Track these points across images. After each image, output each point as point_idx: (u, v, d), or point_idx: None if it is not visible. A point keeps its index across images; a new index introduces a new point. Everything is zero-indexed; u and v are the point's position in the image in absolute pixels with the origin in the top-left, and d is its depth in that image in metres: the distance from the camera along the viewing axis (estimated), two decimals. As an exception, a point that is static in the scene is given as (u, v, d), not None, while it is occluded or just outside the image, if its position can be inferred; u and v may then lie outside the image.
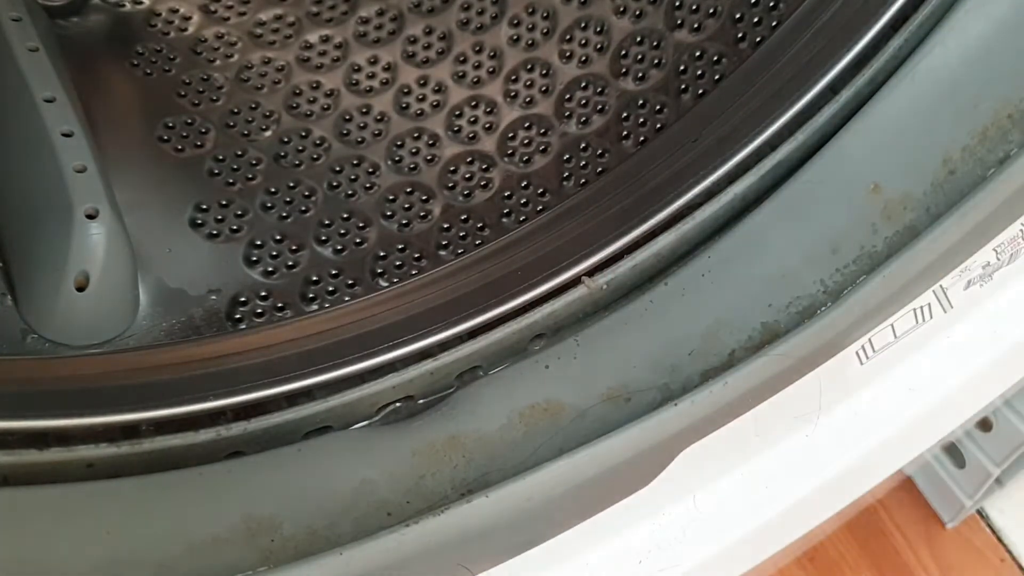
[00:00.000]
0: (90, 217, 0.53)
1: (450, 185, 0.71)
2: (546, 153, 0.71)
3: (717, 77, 0.65)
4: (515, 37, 0.74)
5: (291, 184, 0.70)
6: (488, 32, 0.75)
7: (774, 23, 0.62)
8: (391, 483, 0.39)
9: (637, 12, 0.69)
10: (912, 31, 0.45)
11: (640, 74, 0.69)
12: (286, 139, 0.73)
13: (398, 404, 0.44)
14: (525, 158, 0.71)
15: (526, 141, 0.71)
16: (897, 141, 0.44)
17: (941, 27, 0.45)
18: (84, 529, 0.36)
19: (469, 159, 0.72)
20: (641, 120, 0.68)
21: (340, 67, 0.76)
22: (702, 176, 0.47)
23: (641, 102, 0.68)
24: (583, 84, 0.71)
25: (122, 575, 0.35)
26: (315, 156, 0.72)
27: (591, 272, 0.46)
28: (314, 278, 0.66)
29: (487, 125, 0.73)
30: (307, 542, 0.37)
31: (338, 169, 0.72)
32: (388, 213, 0.70)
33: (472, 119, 0.73)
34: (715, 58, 0.65)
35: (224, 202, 0.68)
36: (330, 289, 0.66)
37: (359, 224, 0.69)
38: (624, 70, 0.69)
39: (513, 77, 0.73)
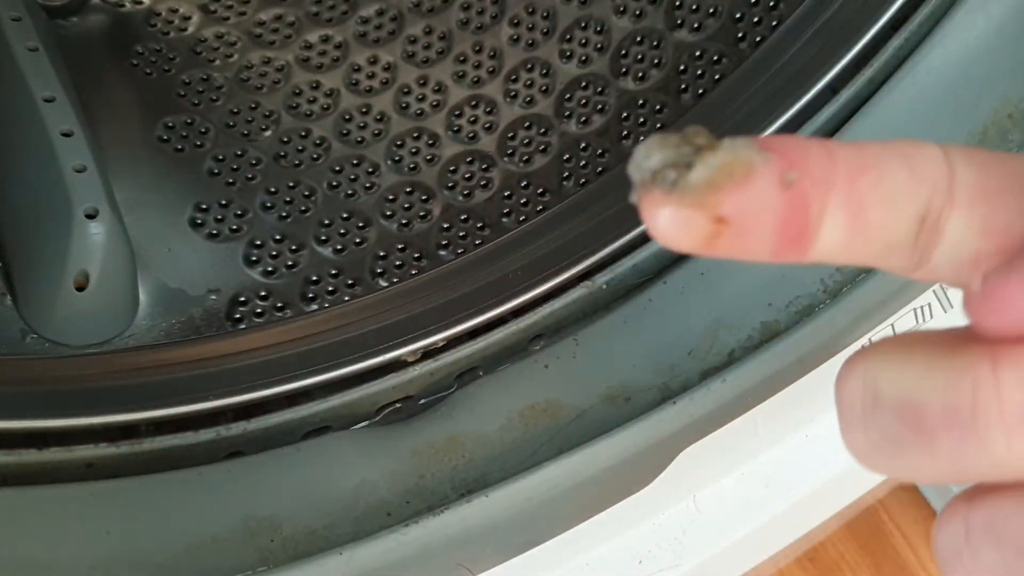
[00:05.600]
0: (90, 217, 0.53)
1: (450, 185, 0.71)
2: (546, 153, 0.71)
3: (717, 77, 0.65)
4: (515, 37, 0.74)
5: (291, 184, 0.70)
6: (488, 32, 0.75)
7: (774, 23, 0.61)
8: (391, 483, 0.39)
9: (637, 12, 0.69)
10: (912, 31, 0.45)
11: (640, 74, 0.69)
12: (286, 139, 0.73)
13: (398, 404, 0.44)
14: (525, 158, 0.71)
15: (526, 141, 0.71)
16: (897, 141, 0.44)
17: (941, 27, 0.45)
18: (83, 529, 0.36)
19: (469, 159, 0.72)
20: (641, 120, 0.68)
21: (340, 67, 0.76)
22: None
23: (641, 102, 0.68)
24: (583, 84, 0.71)
25: (121, 575, 0.35)
26: (315, 156, 0.72)
27: (591, 272, 0.46)
28: (314, 278, 0.66)
29: (487, 125, 0.73)
30: (307, 542, 0.37)
31: (338, 169, 0.72)
32: (388, 213, 0.70)
33: (472, 119, 0.73)
34: (715, 58, 0.65)
35: (224, 202, 0.68)
36: (330, 289, 0.66)
37: (359, 224, 0.69)
38: (624, 70, 0.69)
39: (513, 77, 0.73)
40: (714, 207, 0.17)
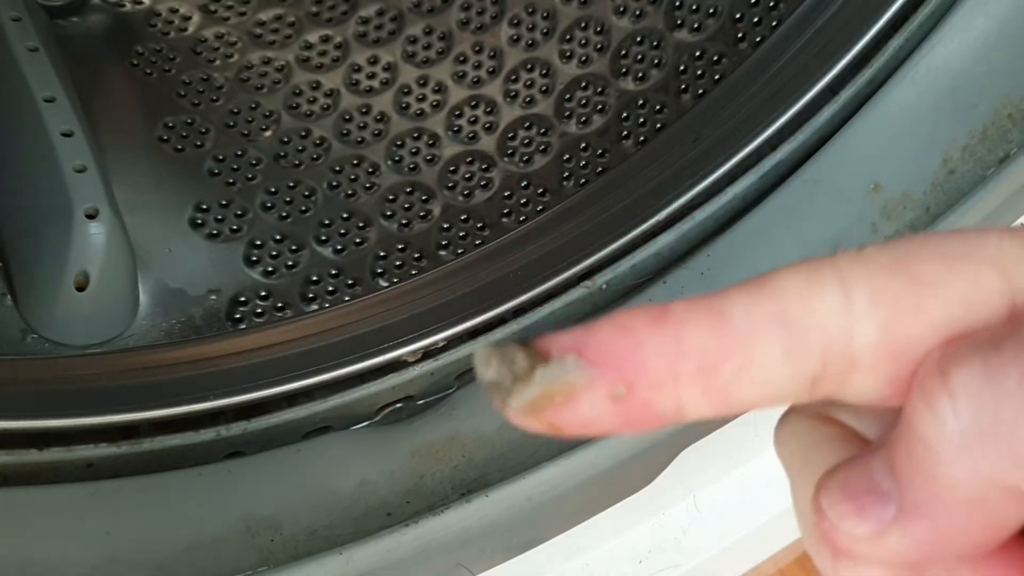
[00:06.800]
0: (90, 217, 0.53)
1: (450, 185, 0.71)
2: (546, 153, 0.71)
3: (717, 77, 0.65)
4: (515, 37, 0.74)
5: (291, 184, 0.70)
6: (488, 32, 0.75)
7: (774, 23, 0.61)
8: (391, 483, 0.39)
9: (637, 12, 0.69)
10: (912, 31, 0.45)
11: (640, 74, 0.69)
12: (286, 139, 0.73)
13: (398, 404, 0.44)
14: (525, 158, 0.71)
15: (526, 141, 0.71)
16: (897, 141, 0.44)
17: (942, 26, 0.45)
18: (84, 529, 0.36)
19: (469, 159, 0.72)
20: (641, 120, 0.68)
21: (340, 67, 0.76)
22: (702, 176, 0.47)
23: (641, 102, 0.68)
24: (583, 84, 0.71)
25: (122, 575, 0.35)
26: (315, 156, 0.72)
27: (591, 272, 0.46)
28: (314, 278, 0.66)
29: (487, 125, 0.73)
30: (307, 542, 0.37)
31: (338, 169, 0.72)
32: (388, 213, 0.70)
33: (472, 119, 0.73)
34: (715, 58, 0.65)
35: (224, 202, 0.68)
36: (330, 289, 0.66)
37: (359, 224, 0.69)
38: (624, 70, 0.69)
39: (513, 77, 0.73)
40: (545, 420, 0.16)
